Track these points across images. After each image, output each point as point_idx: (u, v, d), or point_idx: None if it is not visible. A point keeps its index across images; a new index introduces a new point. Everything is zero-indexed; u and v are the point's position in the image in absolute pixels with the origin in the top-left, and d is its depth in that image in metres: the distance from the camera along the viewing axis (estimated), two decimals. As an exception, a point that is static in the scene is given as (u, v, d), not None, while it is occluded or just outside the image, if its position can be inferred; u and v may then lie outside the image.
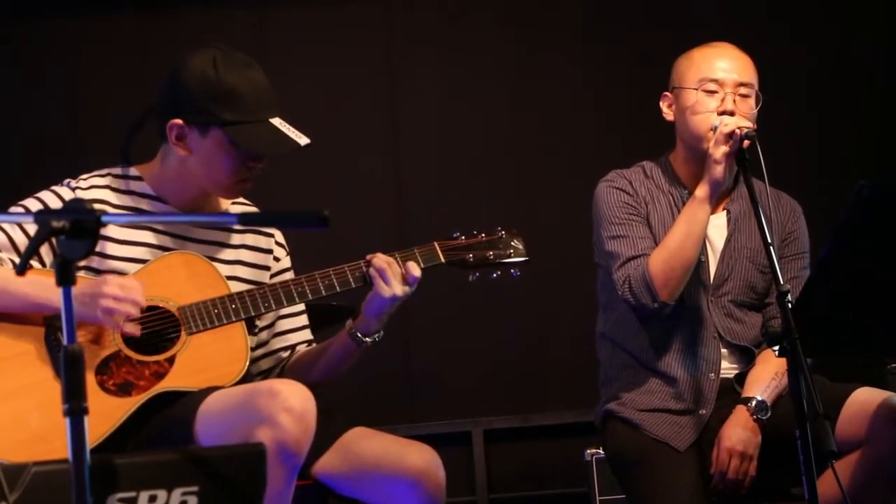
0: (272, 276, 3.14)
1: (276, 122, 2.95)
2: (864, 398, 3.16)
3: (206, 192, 3.04)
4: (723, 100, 3.32)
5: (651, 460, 3.30)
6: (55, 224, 2.05)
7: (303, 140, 2.95)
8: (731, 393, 3.34)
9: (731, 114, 3.29)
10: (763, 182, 3.14)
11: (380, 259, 2.97)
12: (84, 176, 3.05)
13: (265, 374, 3.13)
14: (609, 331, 3.48)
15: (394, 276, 2.95)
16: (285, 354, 3.14)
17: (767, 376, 3.29)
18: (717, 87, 3.34)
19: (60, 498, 2.04)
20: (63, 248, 2.07)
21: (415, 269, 2.97)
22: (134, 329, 2.85)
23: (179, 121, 2.95)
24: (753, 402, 3.25)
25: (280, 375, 3.11)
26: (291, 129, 2.96)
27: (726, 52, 3.40)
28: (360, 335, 3.02)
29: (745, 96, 3.34)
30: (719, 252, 3.41)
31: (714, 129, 3.27)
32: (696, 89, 3.34)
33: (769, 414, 3.24)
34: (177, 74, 2.96)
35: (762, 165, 3.13)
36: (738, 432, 3.23)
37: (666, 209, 3.41)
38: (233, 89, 2.92)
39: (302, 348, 3.16)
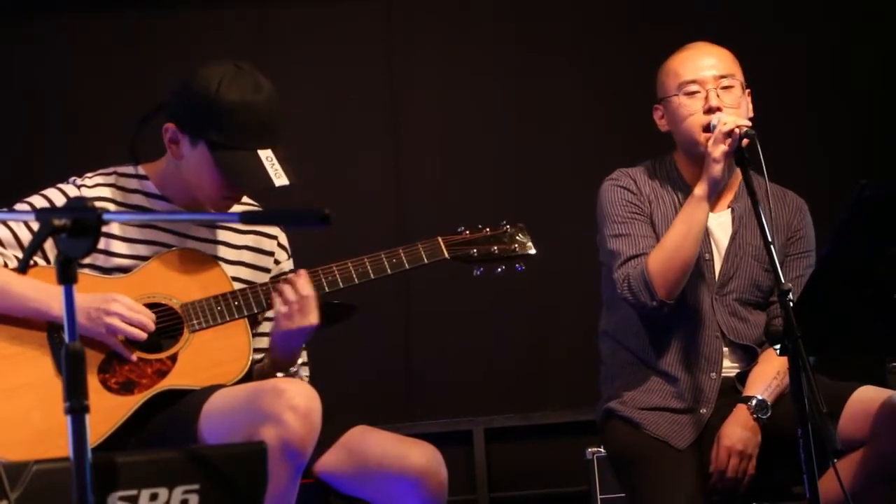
0: (271, 279, 3.13)
1: (265, 154, 2.91)
2: (867, 397, 3.15)
3: None
4: (706, 98, 3.32)
5: (651, 459, 3.30)
6: (56, 222, 2.05)
7: (280, 181, 2.90)
8: (733, 392, 3.33)
9: (718, 109, 3.29)
10: (763, 180, 3.14)
11: (288, 292, 2.92)
12: (90, 174, 3.06)
13: None
14: (612, 329, 3.48)
15: (299, 311, 2.91)
16: (258, 357, 3.11)
17: (769, 375, 3.29)
18: (696, 86, 3.33)
19: (62, 496, 2.04)
20: (64, 247, 2.06)
21: (306, 290, 2.92)
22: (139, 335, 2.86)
23: (174, 125, 2.96)
24: (754, 402, 3.25)
25: None
26: (276, 165, 2.91)
27: (699, 50, 3.40)
28: (277, 364, 3.02)
29: (727, 87, 3.33)
30: (724, 250, 3.41)
31: (708, 127, 3.26)
32: (678, 95, 3.35)
33: (769, 413, 3.24)
34: (186, 80, 2.95)
35: (762, 164, 3.12)
36: (738, 431, 3.22)
37: (670, 208, 3.41)
38: (227, 112, 2.89)
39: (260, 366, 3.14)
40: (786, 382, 3.23)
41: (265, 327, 3.11)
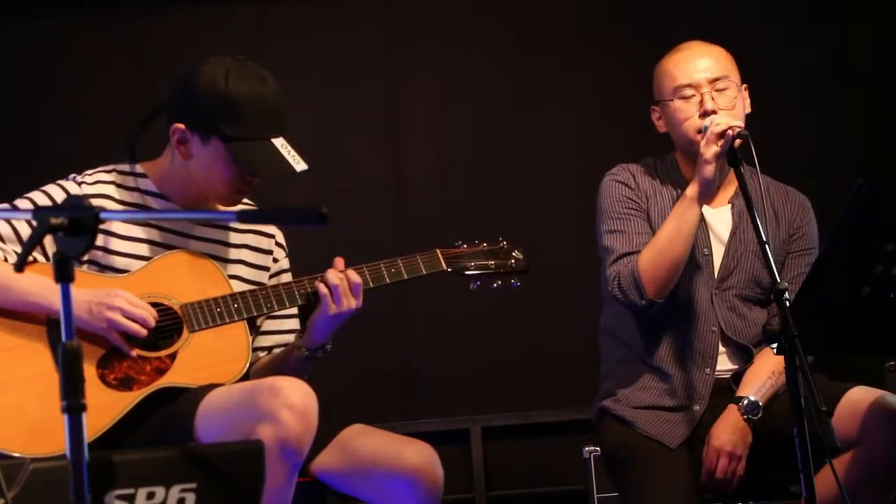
0: (270, 276, 3.15)
1: (279, 142, 2.94)
2: (858, 397, 3.15)
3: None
4: (701, 102, 3.32)
5: (642, 458, 3.30)
6: (54, 221, 2.05)
7: (300, 166, 2.93)
8: (728, 392, 3.33)
9: (713, 112, 3.29)
10: (760, 177, 3.14)
11: (332, 276, 2.96)
12: (89, 171, 3.07)
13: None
14: (609, 324, 3.49)
15: (344, 294, 2.95)
16: (262, 354, 3.14)
17: (763, 376, 3.29)
18: (691, 90, 3.33)
19: (59, 495, 2.05)
20: (62, 245, 2.07)
21: (355, 277, 2.97)
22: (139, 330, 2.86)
23: (182, 125, 2.96)
24: (745, 402, 3.25)
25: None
26: (292, 152, 2.94)
27: (693, 53, 3.39)
28: (310, 350, 3.02)
29: (722, 90, 3.33)
30: (725, 245, 3.41)
31: (703, 130, 3.26)
32: (673, 99, 3.35)
33: (760, 414, 3.24)
34: (188, 79, 2.96)
35: (756, 164, 3.13)
36: (728, 432, 3.23)
37: (668, 204, 3.40)
38: (238, 104, 2.91)
39: (277, 352, 3.15)
40: (780, 382, 3.24)
41: (267, 325, 3.13)
